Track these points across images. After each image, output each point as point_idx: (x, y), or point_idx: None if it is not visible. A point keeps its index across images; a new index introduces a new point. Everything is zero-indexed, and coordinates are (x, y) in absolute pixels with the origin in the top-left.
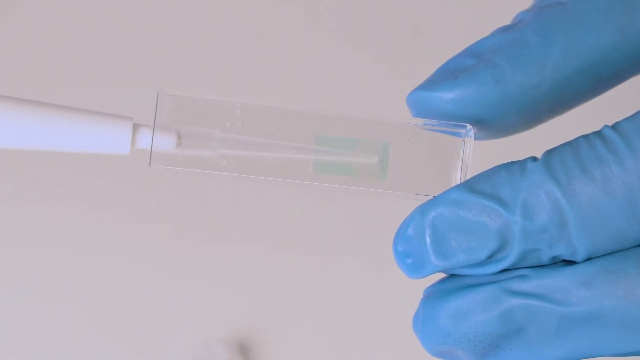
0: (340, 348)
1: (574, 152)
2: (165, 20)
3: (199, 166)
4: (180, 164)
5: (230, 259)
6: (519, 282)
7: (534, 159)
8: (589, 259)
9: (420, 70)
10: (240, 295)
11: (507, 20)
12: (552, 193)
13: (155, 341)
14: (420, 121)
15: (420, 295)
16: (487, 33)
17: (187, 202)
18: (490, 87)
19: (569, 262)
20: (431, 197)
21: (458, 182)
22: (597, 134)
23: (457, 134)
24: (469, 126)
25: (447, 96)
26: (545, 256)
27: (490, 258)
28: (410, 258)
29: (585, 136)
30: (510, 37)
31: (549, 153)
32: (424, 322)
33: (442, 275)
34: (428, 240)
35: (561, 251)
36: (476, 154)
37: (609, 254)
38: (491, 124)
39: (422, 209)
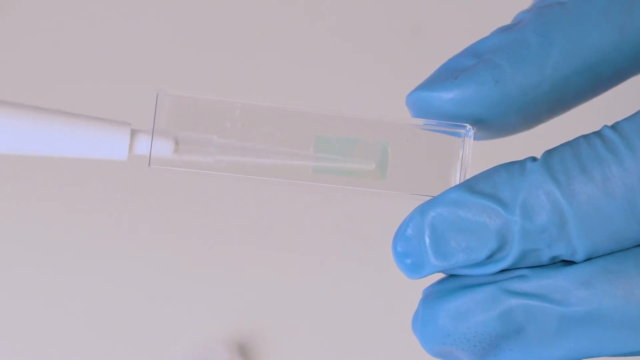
0: (340, 348)
1: (574, 152)
2: (165, 21)
3: (198, 167)
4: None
5: (229, 260)
6: (518, 282)
7: (534, 159)
8: (588, 259)
9: (420, 71)
10: (240, 295)
11: (507, 20)
12: (552, 193)
13: (155, 341)
14: (420, 121)
15: (420, 296)
16: (487, 33)
17: (187, 203)
18: (490, 87)
19: (569, 262)
20: (431, 197)
21: (457, 182)
22: (597, 134)
23: (457, 134)
24: (468, 126)
25: (446, 96)
26: (545, 256)
27: (490, 258)
28: (409, 258)
29: (585, 136)
30: (510, 37)
31: (549, 153)
32: (423, 322)
33: (441, 275)
34: (427, 240)
35: (561, 251)
36: (476, 154)
37: (609, 254)
38: (491, 124)
39: (422, 209)
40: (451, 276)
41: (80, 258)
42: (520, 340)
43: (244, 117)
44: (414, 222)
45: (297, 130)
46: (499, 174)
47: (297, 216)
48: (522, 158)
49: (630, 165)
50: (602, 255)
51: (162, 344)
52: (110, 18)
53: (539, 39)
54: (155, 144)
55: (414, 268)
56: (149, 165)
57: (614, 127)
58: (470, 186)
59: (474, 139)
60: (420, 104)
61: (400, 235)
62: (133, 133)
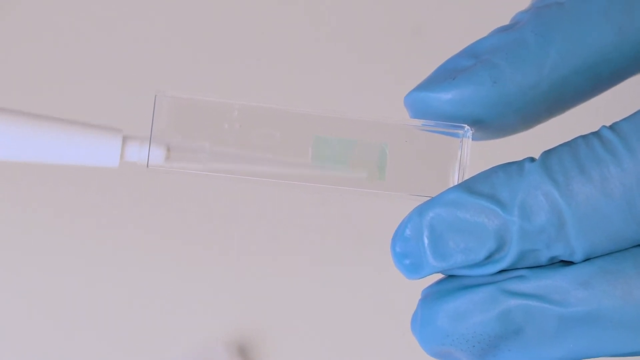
0: (340, 349)
1: (572, 152)
2: (164, 23)
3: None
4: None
5: (229, 260)
6: (517, 283)
7: (532, 159)
8: (587, 260)
9: (420, 71)
10: (239, 296)
11: (507, 21)
12: (550, 194)
13: (155, 342)
14: (419, 122)
15: (419, 296)
16: (487, 33)
17: (186, 204)
18: (488, 88)
19: (567, 263)
20: (429, 197)
21: (456, 183)
22: (595, 134)
23: (455, 135)
24: (466, 127)
25: (445, 97)
26: (544, 257)
27: (488, 259)
28: (408, 259)
29: (583, 136)
30: (508, 37)
31: (547, 153)
32: (422, 322)
33: (440, 276)
34: (426, 241)
35: (559, 252)
36: (474, 154)
37: (607, 254)
38: (489, 124)
39: (420, 210)
40: (450, 277)
41: (81, 258)
42: (519, 340)
43: (242, 118)
44: (412, 223)
45: (295, 131)
46: (497, 174)
47: (296, 217)
48: (520, 158)
49: (628, 166)
50: (601, 256)
51: (162, 344)
52: (109, 20)
53: (538, 39)
54: (146, 152)
55: (413, 268)
56: (147, 160)
57: (613, 127)
58: (468, 187)
59: (473, 139)
60: (418, 104)
61: (398, 235)
62: (124, 140)
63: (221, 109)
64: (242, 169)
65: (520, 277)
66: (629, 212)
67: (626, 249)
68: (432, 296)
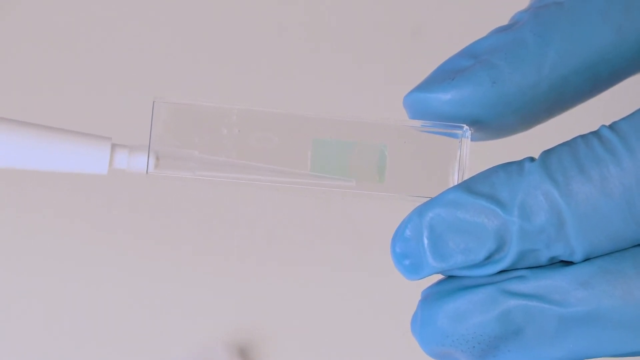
0: (340, 350)
1: (572, 152)
2: (161, 27)
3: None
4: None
5: (229, 261)
6: (517, 283)
7: (532, 159)
8: (586, 260)
9: (419, 72)
10: (240, 297)
11: (507, 21)
12: (550, 193)
13: (155, 343)
14: (418, 123)
15: (419, 297)
16: (486, 33)
17: (187, 205)
18: (487, 88)
19: (567, 263)
20: (429, 198)
21: (455, 183)
22: (595, 134)
23: (454, 135)
24: (465, 127)
25: (444, 97)
26: (543, 257)
27: (488, 259)
28: (408, 259)
29: (582, 136)
30: (507, 37)
31: (547, 153)
32: (422, 323)
33: (440, 276)
34: (426, 241)
35: (559, 252)
36: (473, 155)
37: (607, 254)
38: (489, 124)
39: (420, 210)
40: (450, 277)
41: (81, 260)
42: (519, 341)
43: (241, 123)
44: (412, 223)
45: (294, 134)
46: (497, 174)
47: (296, 218)
48: (520, 158)
49: (628, 165)
50: (600, 256)
51: (162, 345)
52: (107, 25)
53: (537, 39)
54: (135, 159)
55: (413, 269)
56: (147, 165)
57: (612, 127)
58: (468, 187)
59: (472, 139)
60: (417, 105)
61: (398, 236)
62: (113, 147)
63: (220, 114)
64: (240, 173)
65: (520, 277)
66: (629, 211)
67: (626, 248)
68: (432, 297)
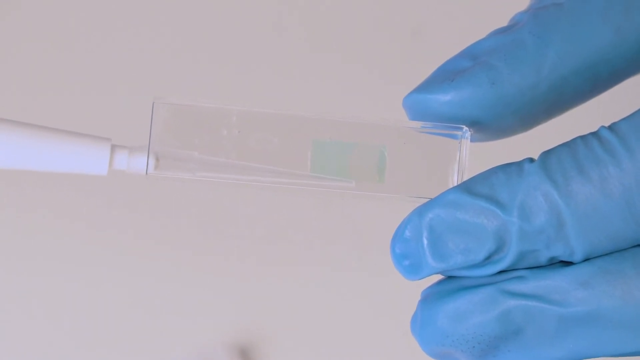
0: (340, 350)
1: (571, 153)
2: (161, 28)
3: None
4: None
5: (230, 262)
6: (516, 283)
7: (531, 160)
8: (586, 260)
9: (418, 73)
10: (240, 298)
11: (506, 22)
12: (550, 194)
13: (155, 343)
14: (417, 124)
15: (418, 297)
16: (486, 35)
17: (186, 206)
18: (486, 89)
19: (567, 263)
20: (429, 199)
21: (455, 184)
22: (594, 134)
23: (454, 136)
24: (465, 128)
25: (443, 98)
26: (543, 257)
27: (488, 259)
28: (407, 260)
29: (582, 137)
30: (506, 38)
31: (546, 154)
32: (422, 323)
33: (440, 276)
34: (425, 242)
35: (559, 252)
36: (473, 155)
37: (607, 254)
38: (488, 125)
39: (420, 211)
40: (449, 277)
41: (82, 260)
42: (519, 341)
43: (241, 124)
44: (412, 224)
45: (294, 135)
46: (496, 175)
47: (296, 219)
48: (519, 159)
49: (627, 166)
50: (600, 256)
51: (162, 345)
52: (106, 24)
53: (536, 40)
54: (134, 161)
55: (412, 269)
56: (147, 167)
57: (611, 127)
58: (467, 188)
59: (471, 140)
60: (417, 106)
61: (398, 236)
62: (113, 148)
63: (219, 115)
64: (240, 174)
65: (520, 277)
66: (628, 212)
67: (626, 249)
68: (432, 297)
